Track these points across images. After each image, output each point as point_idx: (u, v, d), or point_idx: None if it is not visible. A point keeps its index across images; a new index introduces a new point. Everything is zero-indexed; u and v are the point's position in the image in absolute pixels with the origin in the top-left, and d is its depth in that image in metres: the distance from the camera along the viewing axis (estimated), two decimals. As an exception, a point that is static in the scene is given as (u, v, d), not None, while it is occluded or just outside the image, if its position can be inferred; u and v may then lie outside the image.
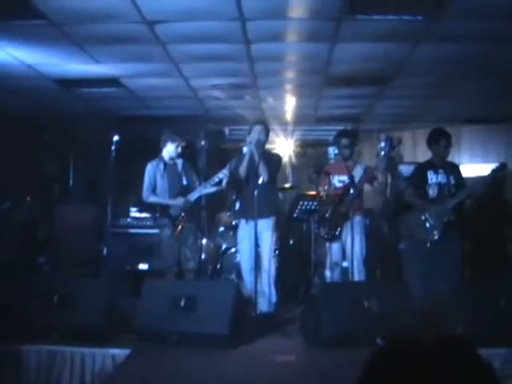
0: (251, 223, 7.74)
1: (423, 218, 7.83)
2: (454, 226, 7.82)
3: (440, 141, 8.00)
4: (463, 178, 8.16)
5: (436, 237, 7.74)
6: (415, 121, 12.75)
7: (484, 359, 1.47)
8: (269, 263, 7.81)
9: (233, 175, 8.09)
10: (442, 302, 7.00)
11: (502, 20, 6.86)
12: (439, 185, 7.94)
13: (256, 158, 7.80)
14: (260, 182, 7.74)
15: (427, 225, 7.80)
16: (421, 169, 8.26)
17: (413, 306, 6.63)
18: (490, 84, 9.85)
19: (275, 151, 12.59)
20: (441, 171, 7.98)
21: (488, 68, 8.82)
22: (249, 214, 7.78)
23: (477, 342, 1.57)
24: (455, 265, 7.77)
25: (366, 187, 8.36)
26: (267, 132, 8.09)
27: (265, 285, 7.72)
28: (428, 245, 7.78)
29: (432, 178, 7.98)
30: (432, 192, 7.96)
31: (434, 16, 6.77)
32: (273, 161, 8.15)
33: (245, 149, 8.01)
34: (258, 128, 7.98)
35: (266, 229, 7.87)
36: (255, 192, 7.56)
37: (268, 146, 9.16)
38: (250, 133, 7.98)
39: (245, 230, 7.95)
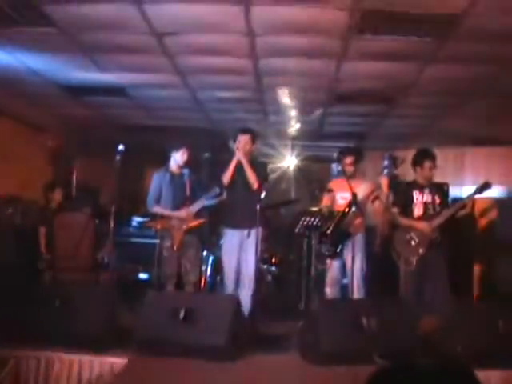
0: (237, 233, 7.83)
1: (408, 236, 7.86)
2: (440, 245, 7.85)
3: (424, 163, 8.00)
4: (448, 197, 8.19)
5: (421, 255, 7.77)
6: (420, 140, 12.72)
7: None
8: (252, 275, 7.80)
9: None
10: (439, 322, 7.01)
11: (509, 41, 6.89)
12: (425, 204, 7.96)
13: (244, 166, 7.80)
14: (249, 190, 7.75)
15: (412, 243, 7.84)
16: (406, 188, 8.27)
17: (411, 325, 6.64)
18: (496, 105, 9.88)
19: (272, 162, 12.68)
20: (426, 190, 7.99)
21: (494, 89, 8.85)
22: (236, 223, 7.86)
23: (475, 362, 1.58)
24: (442, 283, 7.78)
25: (369, 205, 8.36)
26: (254, 140, 8.08)
27: (246, 292, 7.74)
28: (414, 263, 7.81)
29: (418, 197, 8.00)
30: (418, 211, 7.98)
31: (441, 37, 6.80)
32: (261, 169, 8.11)
33: None
34: (245, 137, 7.96)
35: (252, 239, 7.82)
36: (243, 201, 7.68)
37: (273, 161, 9.15)
38: (235, 140, 7.95)
39: (231, 239, 7.98)
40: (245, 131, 8.06)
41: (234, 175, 7.88)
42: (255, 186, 7.76)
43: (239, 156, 7.79)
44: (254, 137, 8.10)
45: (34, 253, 9.63)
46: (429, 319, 7.20)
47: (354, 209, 7.91)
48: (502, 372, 5.86)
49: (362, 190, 8.16)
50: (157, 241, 8.55)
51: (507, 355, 5.98)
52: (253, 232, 7.78)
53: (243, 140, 7.92)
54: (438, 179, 8.18)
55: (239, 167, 7.86)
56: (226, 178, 7.86)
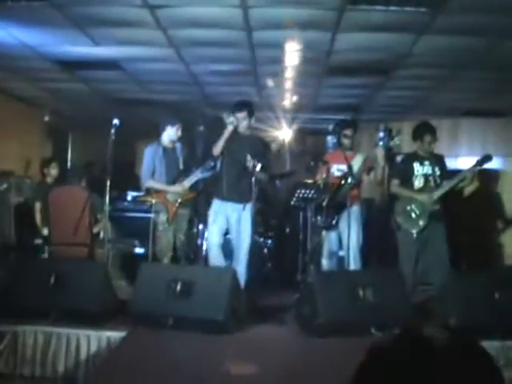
0: (229, 205, 7.87)
1: (409, 208, 7.89)
2: (440, 217, 7.88)
3: (424, 136, 8.02)
4: (448, 169, 8.21)
5: (421, 227, 7.80)
6: (415, 112, 12.73)
7: (487, 353, 1.47)
8: (247, 249, 7.85)
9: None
10: (436, 294, 7.04)
11: (504, 13, 6.86)
12: (425, 176, 7.98)
13: (242, 140, 7.85)
14: (242, 164, 7.72)
15: (413, 215, 7.86)
16: (407, 160, 8.30)
17: (407, 296, 6.67)
18: (491, 77, 9.85)
19: (270, 138, 12.65)
20: (426, 162, 8.01)
21: (489, 61, 8.81)
22: (229, 196, 7.87)
23: (471, 333, 1.56)
24: (441, 254, 7.81)
25: (365, 177, 8.36)
26: (251, 115, 8.05)
27: (241, 266, 7.74)
28: (414, 235, 7.84)
29: (418, 169, 8.02)
30: (418, 183, 8.00)
31: (436, 8, 6.76)
32: (260, 146, 8.15)
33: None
34: (242, 113, 7.95)
35: (247, 212, 7.86)
36: (238, 174, 7.73)
37: (268, 133, 9.12)
38: (234, 112, 7.92)
39: (220, 210, 7.97)
40: (241, 106, 8.04)
41: (228, 148, 7.85)
42: (250, 164, 7.64)
43: (230, 129, 7.78)
44: (251, 111, 8.06)
45: (30, 228, 9.63)
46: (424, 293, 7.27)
47: (349, 180, 7.92)
48: (499, 343, 5.90)
49: (357, 161, 8.16)
50: (152, 215, 8.55)
51: (504, 326, 6.02)
52: (248, 206, 7.79)
53: (241, 116, 7.91)
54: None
55: (233, 140, 7.85)
56: (216, 149, 7.84)
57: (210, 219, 8.05)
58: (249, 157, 7.60)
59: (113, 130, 7.81)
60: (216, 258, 7.84)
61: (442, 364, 1.38)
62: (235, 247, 7.94)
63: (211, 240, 7.97)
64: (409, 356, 1.41)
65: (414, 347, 1.43)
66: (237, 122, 7.82)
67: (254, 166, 7.48)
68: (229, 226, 7.98)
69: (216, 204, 8.01)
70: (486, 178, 10.80)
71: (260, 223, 9.94)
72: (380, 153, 7.95)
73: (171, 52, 8.88)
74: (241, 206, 7.83)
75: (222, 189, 7.92)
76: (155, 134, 8.69)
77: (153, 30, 7.82)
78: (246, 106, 8.07)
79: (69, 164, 14.47)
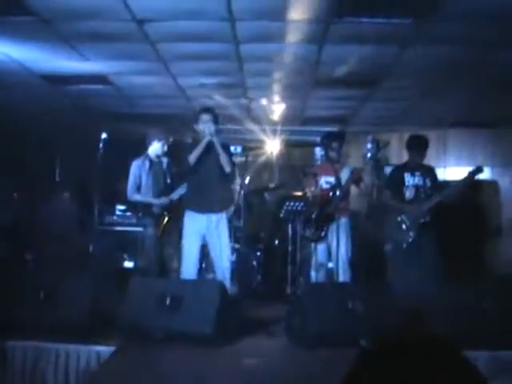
0: (204, 218, 7.71)
1: (399, 219, 7.90)
2: (430, 228, 7.89)
3: (416, 148, 8.06)
4: (439, 181, 8.24)
5: (411, 238, 7.82)
6: (403, 123, 12.77)
7: (469, 359, 1.49)
8: (228, 259, 7.75)
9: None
10: (424, 304, 7.05)
11: (490, 24, 6.90)
12: (416, 187, 8.01)
13: (216, 148, 7.56)
14: (223, 173, 7.62)
15: (403, 226, 7.88)
16: (398, 171, 8.34)
17: (396, 307, 6.67)
18: (478, 88, 9.89)
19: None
20: (417, 173, 8.05)
21: (476, 72, 8.86)
22: (203, 207, 7.68)
23: (459, 344, 1.58)
24: (432, 266, 7.82)
25: (353, 189, 8.39)
26: (217, 120, 7.80)
27: (225, 280, 7.58)
28: (404, 246, 7.85)
29: (409, 180, 8.05)
30: (409, 194, 8.04)
31: (422, 19, 6.80)
32: (229, 152, 7.92)
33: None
34: (207, 116, 7.71)
35: (223, 223, 7.76)
36: (212, 184, 7.62)
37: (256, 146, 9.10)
38: (198, 122, 7.73)
39: (196, 222, 7.74)
40: (205, 110, 7.88)
41: (202, 157, 7.63)
42: (227, 169, 7.59)
43: (212, 139, 7.54)
44: (216, 116, 7.82)
45: (18, 243, 9.61)
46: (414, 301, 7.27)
47: (338, 193, 7.94)
48: (489, 353, 5.92)
49: (345, 173, 8.19)
50: (140, 229, 8.54)
51: (494, 336, 6.04)
52: (223, 217, 7.77)
53: (206, 120, 7.70)
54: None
55: (207, 149, 7.62)
56: (192, 158, 7.57)
57: (185, 232, 7.85)
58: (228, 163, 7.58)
59: (101, 145, 7.82)
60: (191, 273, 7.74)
61: (420, 366, 1.40)
62: (215, 259, 7.86)
63: (187, 256, 7.80)
64: (394, 365, 1.43)
65: (395, 353, 1.45)
66: (208, 130, 7.59)
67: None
68: (206, 237, 7.83)
69: (188, 215, 7.86)
70: (476, 189, 10.85)
71: (249, 235, 9.95)
72: (368, 164, 7.98)
73: (159, 65, 8.89)
74: (213, 216, 7.73)
75: (193, 199, 7.82)
76: (144, 148, 8.69)
77: (141, 44, 7.83)
78: (210, 110, 7.93)
79: (57, 178, 14.44)
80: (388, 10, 6.60)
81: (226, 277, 7.65)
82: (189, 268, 7.71)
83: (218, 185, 7.69)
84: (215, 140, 7.54)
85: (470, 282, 7.37)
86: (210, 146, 7.60)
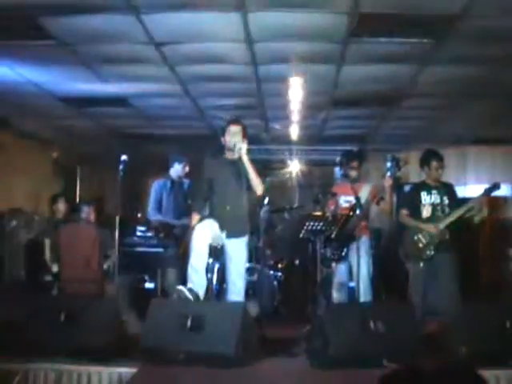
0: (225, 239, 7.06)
1: (416, 238, 7.84)
2: (448, 246, 7.82)
3: (431, 162, 7.99)
4: (457, 198, 8.16)
5: (429, 257, 7.77)
6: (422, 141, 12.74)
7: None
8: (242, 283, 7.26)
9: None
10: (446, 323, 7.00)
11: (508, 42, 6.90)
12: (433, 205, 7.95)
13: (246, 166, 6.75)
14: (251, 194, 6.98)
15: (420, 245, 7.82)
16: (415, 189, 8.27)
17: (418, 327, 6.63)
18: (497, 105, 9.88)
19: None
20: (434, 191, 7.98)
21: (495, 89, 8.85)
22: (224, 229, 7.00)
23: (482, 362, 1.58)
24: (451, 284, 7.75)
25: (373, 207, 8.36)
26: (246, 133, 6.93)
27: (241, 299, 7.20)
28: (421, 265, 7.80)
29: (425, 198, 7.99)
30: (426, 212, 7.97)
31: (440, 38, 6.81)
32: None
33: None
34: (236, 128, 6.88)
35: (241, 248, 7.10)
36: (237, 207, 6.95)
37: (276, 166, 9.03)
38: (225, 133, 6.89)
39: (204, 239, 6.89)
40: (234, 122, 7.03)
41: (227, 176, 6.92)
42: (258, 190, 6.96)
43: (242, 155, 6.73)
44: (245, 128, 6.97)
45: (40, 265, 9.64)
46: (434, 323, 7.22)
47: (358, 212, 7.91)
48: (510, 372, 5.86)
49: (365, 192, 8.16)
50: (161, 250, 8.55)
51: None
52: (244, 239, 7.15)
53: (235, 131, 6.88)
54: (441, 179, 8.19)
55: (233, 167, 6.89)
56: (215, 177, 7.03)
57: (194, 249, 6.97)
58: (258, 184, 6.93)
59: (121, 167, 7.84)
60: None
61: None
62: (229, 283, 7.37)
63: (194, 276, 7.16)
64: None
65: (415, 377, 1.46)
66: (237, 144, 6.78)
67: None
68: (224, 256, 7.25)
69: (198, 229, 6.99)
70: (495, 206, 10.80)
71: (269, 256, 9.95)
72: (388, 183, 7.94)
73: (178, 87, 8.94)
74: (234, 239, 7.08)
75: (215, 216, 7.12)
76: (164, 169, 8.73)
77: (159, 66, 7.90)
78: (238, 121, 7.08)
79: (78, 200, 14.50)
80: (405, 30, 6.62)
81: (241, 295, 7.38)
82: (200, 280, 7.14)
83: (241, 209, 6.98)
84: (244, 158, 6.76)
85: (490, 300, 7.32)
86: (236, 164, 6.85)
